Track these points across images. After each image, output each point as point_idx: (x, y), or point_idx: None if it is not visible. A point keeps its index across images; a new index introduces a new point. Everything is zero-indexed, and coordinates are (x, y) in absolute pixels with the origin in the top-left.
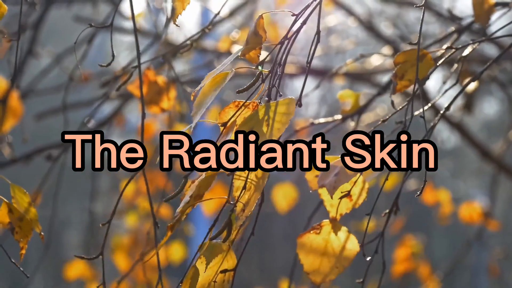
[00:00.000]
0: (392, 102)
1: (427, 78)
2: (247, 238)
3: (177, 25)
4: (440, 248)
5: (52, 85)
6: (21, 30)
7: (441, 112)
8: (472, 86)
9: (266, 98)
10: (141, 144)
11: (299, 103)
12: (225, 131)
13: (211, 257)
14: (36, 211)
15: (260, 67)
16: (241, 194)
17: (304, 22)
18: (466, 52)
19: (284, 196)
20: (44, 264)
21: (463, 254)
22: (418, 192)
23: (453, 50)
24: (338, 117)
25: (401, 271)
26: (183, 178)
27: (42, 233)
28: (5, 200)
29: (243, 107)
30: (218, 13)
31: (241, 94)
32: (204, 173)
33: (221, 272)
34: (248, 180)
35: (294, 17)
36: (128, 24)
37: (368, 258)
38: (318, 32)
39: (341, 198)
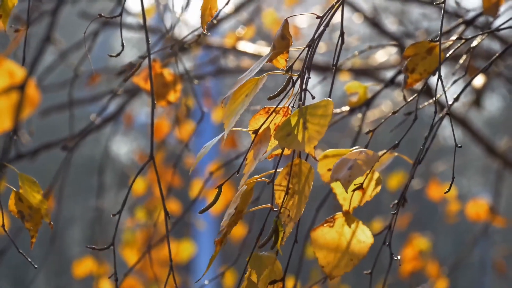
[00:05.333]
0: (404, 96)
1: (437, 70)
2: (291, 246)
3: (206, 33)
4: (446, 246)
5: (58, 81)
6: (38, 18)
7: (449, 103)
8: (480, 81)
9: (300, 102)
10: (151, 137)
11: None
12: (257, 138)
13: (261, 270)
14: (45, 200)
15: (289, 72)
16: (285, 200)
17: (327, 25)
18: (474, 43)
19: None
20: (48, 262)
21: (468, 250)
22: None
23: (463, 40)
24: (346, 109)
25: (409, 270)
26: (217, 188)
27: (51, 223)
28: (14, 189)
29: (274, 113)
30: (225, 5)
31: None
32: (245, 184)
33: (270, 283)
34: (291, 186)
35: (296, 16)
36: (134, 20)
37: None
38: (342, 34)
39: (354, 190)
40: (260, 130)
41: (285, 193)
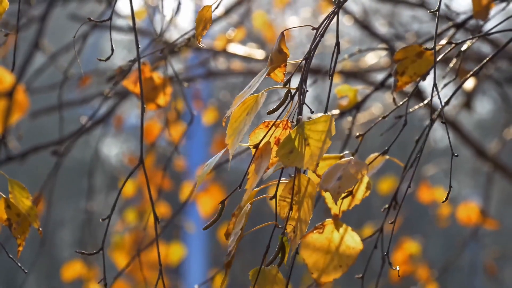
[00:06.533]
0: (394, 100)
1: (427, 74)
2: (292, 259)
3: (201, 45)
4: (436, 249)
5: (47, 84)
6: (27, 24)
7: (440, 107)
8: (471, 84)
9: (300, 117)
10: (141, 141)
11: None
12: (258, 152)
13: (264, 284)
14: (34, 207)
15: (287, 85)
16: (289, 215)
17: (322, 35)
18: (464, 47)
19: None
20: (38, 264)
21: (458, 253)
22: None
23: (453, 45)
24: (336, 112)
25: (400, 274)
26: (220, 204)
27: (40, 229)
28: (3, 195)
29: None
30: (215, 9)
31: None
32: (248, 202)
33: None
34: (295, 200)
35: (290, 20)
36: (124, 22)
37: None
38: (337, 43)
39: (343, 198)
40: (261, 145)
41: (289, 209)
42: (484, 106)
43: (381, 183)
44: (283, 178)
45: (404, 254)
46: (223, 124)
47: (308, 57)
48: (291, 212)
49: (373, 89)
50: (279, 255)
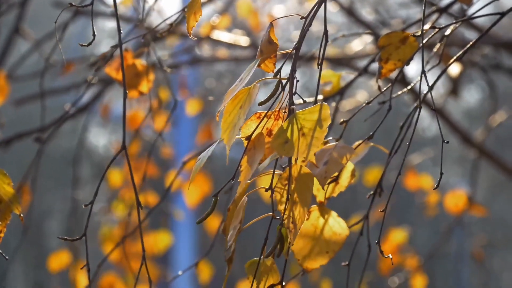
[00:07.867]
0: (379, 87)
1: (411, 59)
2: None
3: (192, 38)
4: (423, 237)
5: (31, 71)
6: (7, 9)
7: (424, 93)
8: (457, 70)
9: (293, 107)
10: (123, 126)
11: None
12: (250, 144)
13: (260, 276)
14: (15, 193)
15: (278, 76)
16: (286, 206)
17: (309, 24)
18: (448, 31)
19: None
20: (26, 255)
21: (444, 239)
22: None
23: (436, 29)
24: (320, 97)
25: (389, 265)
26: (213, 197)
27: (21, 215)
28: None
29: (265, 118)
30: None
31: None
32: (244, 196)
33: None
34: (291, 192)
35: (276, 7)
36: (109, 10)
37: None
38: (325, 32)
39: (329, 183)
40: (253, 136)
41: (286, 199)
42: (472, 95)
43: (367, 173)
44: (275, 170)
45: (391, 245)
46: (217, 119)
47: (298, 47)
48: (288, 202)
49: (357, 75)
50: (278, 246)
